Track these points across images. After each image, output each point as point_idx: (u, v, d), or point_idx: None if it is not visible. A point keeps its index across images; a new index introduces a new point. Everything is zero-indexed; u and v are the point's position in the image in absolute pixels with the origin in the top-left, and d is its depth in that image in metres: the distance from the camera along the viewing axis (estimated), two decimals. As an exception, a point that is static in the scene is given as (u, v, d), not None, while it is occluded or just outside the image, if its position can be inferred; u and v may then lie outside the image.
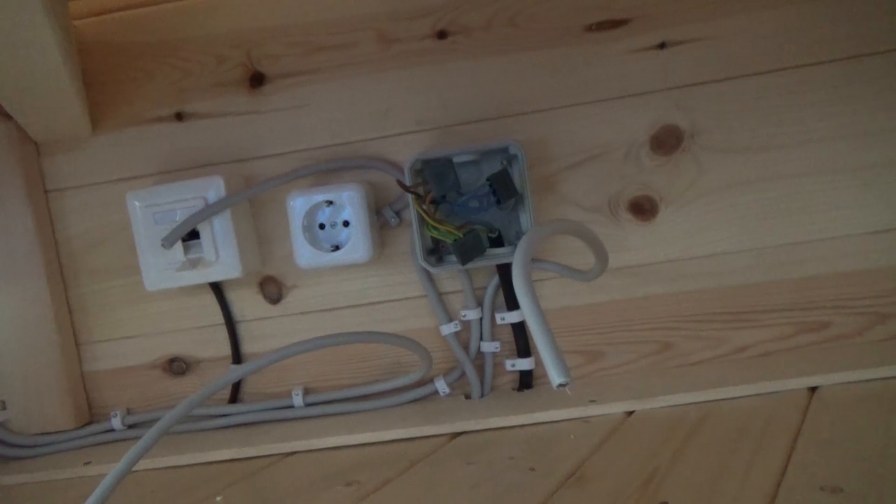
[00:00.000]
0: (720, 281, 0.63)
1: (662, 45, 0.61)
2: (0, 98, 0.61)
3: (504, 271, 0.63)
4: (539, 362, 0.64)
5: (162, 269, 0.64)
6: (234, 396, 0.68)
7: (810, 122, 0.61)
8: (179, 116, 0.67)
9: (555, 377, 0.36)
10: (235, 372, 0.54)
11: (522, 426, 0.58)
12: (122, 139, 0.67)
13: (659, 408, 0.57)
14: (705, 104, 0.61)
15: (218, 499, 0.52)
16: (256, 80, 0.66)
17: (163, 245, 0.61)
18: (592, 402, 0.58)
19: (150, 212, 0.63)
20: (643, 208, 0.63)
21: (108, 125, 0.67)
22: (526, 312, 0.37)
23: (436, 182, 0.58)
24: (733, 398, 0.56)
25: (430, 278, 0.65)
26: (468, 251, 0.58)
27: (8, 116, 0.64)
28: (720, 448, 0.47)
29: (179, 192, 0.63)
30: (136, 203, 0.63)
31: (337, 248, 0.62)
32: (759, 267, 0.62)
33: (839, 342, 0.62)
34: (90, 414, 0.70)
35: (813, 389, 0.55)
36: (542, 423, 0.58)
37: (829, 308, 0.62)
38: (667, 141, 0.62)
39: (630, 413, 0.57)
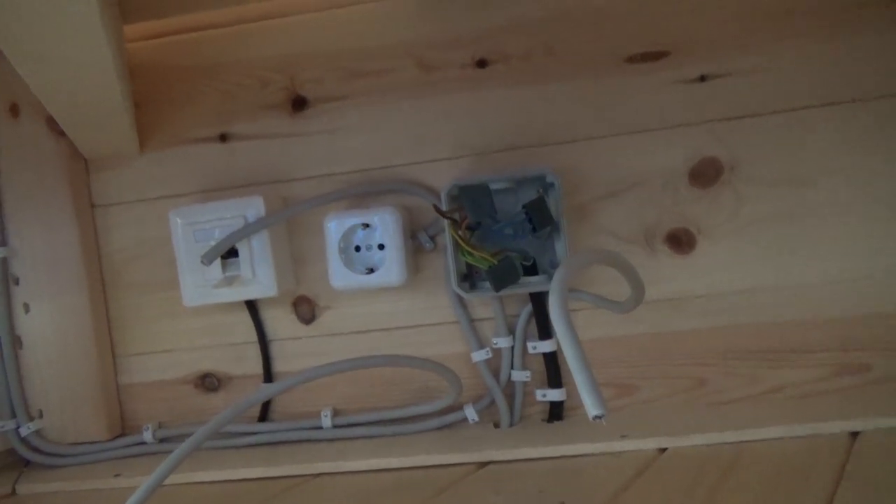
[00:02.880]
0: (758, 317, 0.61)
1: (703, 78, 0.61)
2: (56, 115, 0.63)
3: (537, 300, 0.62)
4: (570, 394, 0.63)
5: (200, 286, 0.65)
6: (264, 415, 0.68)
7: (852, 158, 0.59)
8: (223, 137, 0.68)
9: (591, 409, 0.35)
10: (267, 390, 0.55)
11: (552, 458, 0.57)
12: (168, 158, 0.69)
13: (692, 445, 0.55)
14: (745, 137, 0.61)
15: (244, 517, 0.52)
16: (298, 103, 0.67)
17: (202, 261, 0.62)
18: (624, 436, 0.57)
19: (191, 229, 0.65)
20: (680, 240, 0.62)
21: (155, 144, 0.69)
22: (562, 341, 0.37)
23: (472, 208, 0.58)
24: (770, 439, 0.54)
25: (462, 304, 0.64)
26: (502, 278, 0.58)
27: (61, 133, 0.67)
28: (757, 489, 0.46)
29: (220, 210, 0.64)
30: (178, 220, 0.65)
31: (371, 270, 0.63)
32: (798, 304, 0.61)
33: (881, 385, 0.60)
34: (122, 426, 0.71)
35: (854, 434, 0.53)
36: (572, 455, 0.57)
37: (871, 350, 0.60)
38: (705, 173, 0.61)
39: (663, 450, 0.56)
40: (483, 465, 0.58)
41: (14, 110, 0.68)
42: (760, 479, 0.47)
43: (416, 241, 0.65)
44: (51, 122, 0.67)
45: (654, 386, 0.63)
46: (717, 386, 0.62)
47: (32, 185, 0.68)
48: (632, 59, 0.62)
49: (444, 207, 0.59)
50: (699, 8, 0.61)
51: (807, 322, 0.61)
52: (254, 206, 0.64)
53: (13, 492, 0.65)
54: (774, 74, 0.60)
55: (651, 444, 0.56)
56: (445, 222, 0.59)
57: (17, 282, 0.69)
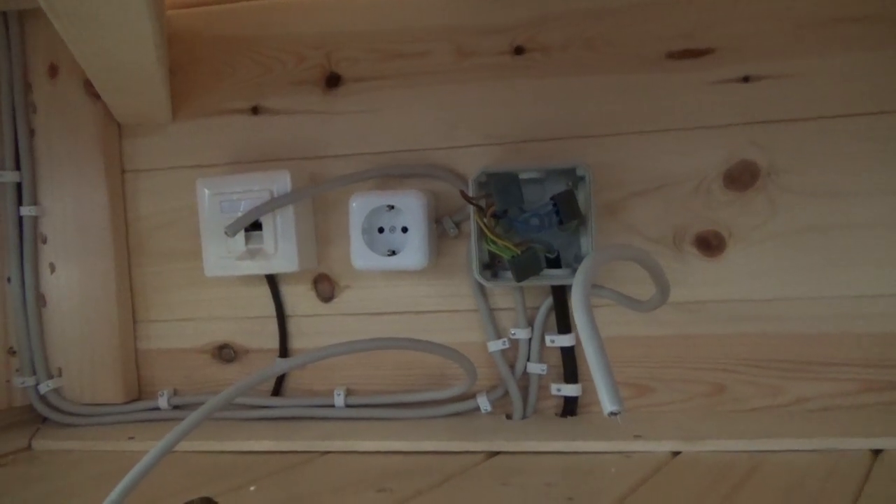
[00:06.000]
0: (784, 327, 0.60)
1: (746, 79, 0.59)
2: (93, 78, 0.64)
3: (559, 293, 0.62)
4: (586, 390, 0.63)
5: (222, 257, 0.65)
6: (277, 389, 0.69)
7: (893, 172, 0.58)
8: (255, 110, 0.68)
9: (607, 404, 0.35)
10: (284, 364, 0.55)
11: (562, 453, 0.56)
12: (199, 127, 0.69)
13: (707, 451, 0.54)
14: (785, 143, 0.59)
15: (252, 488, 0.52)
16: (332, 81, 0.67)
17: (226, 233, 0.62)
18: (637, 437, 0.56)
19: (217, 199, 0.65)
20: (709, 244, 0.61)
21: (187, 113, 0.69)
22: (582, 332, 0.36)
23: (500, 196, 0.57)
24: (788, 451, 0.53)
25: (482, 292, 0.64)
26: (524, 269, 0.57)
27: (97, 96, 0.67)
28: (771, 502, 0.45)
29: (248, 182, 0.64)
30: (206, 190, 0.65)
31: (393, 252, 0.63)
32: (826, 317, 0.59)
33: (907, 405, 0.58)
34: (138, 391, 0.72)
35: (876, 452, 0.52)
36: (583, 452, 0.56)
37: (899, 368, 0.58)
38: (741, 177, 0.60)
39: (676, 454, 0.55)
40: (492, 455, 0.57)
41: (53, 71, 0.69)
42: (776, 492, 0.46)
43: (441, 227, 0.64)
44: (88, 85, 0.68)
45: (672, 389, 0.62)
46: (737, 394, 0.61)
47: (66, 147, 0.69)
48: (673, 56, 0.61)
49: (471, 194, 0.59)
50: (747, 8, 0.59)
51: (833, 335, 0.59)
52: (280, 181, 0.64)
53: (29, 446, 0.66)
54: (822, 80, 0.58)
55: (665, 446, 0.55)
56: (471, 209, 0.59)
57: (44, 241, 0.70)
